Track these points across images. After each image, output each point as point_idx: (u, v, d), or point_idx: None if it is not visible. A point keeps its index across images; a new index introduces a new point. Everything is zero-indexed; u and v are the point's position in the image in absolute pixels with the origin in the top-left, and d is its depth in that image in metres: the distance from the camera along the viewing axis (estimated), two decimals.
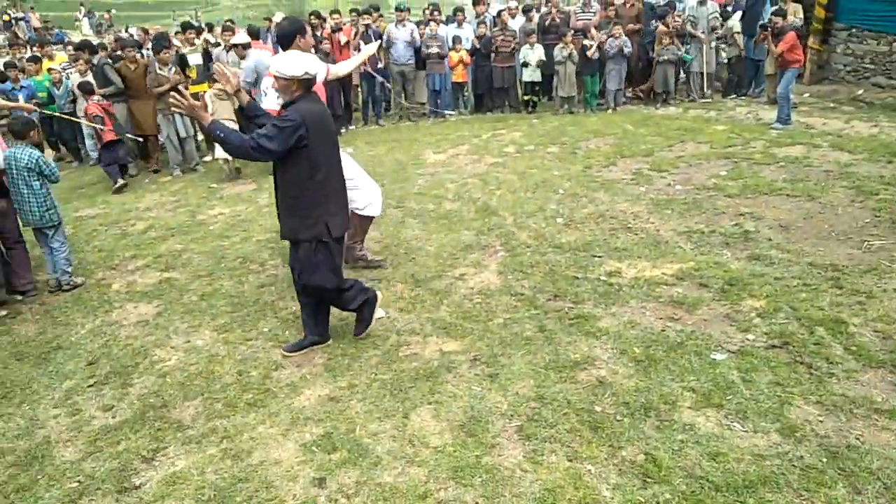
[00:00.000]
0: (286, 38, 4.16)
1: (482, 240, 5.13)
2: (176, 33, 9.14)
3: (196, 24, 10.00)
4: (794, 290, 3.85)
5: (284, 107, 3.33)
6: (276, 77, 3.28)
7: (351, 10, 10.53)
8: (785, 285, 3.92)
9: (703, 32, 9.73)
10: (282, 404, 3.21)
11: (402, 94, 10.65)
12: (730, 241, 4.66)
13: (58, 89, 9.04)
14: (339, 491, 2.60)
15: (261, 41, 8.55)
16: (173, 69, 7.88)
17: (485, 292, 4.23)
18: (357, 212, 4.56)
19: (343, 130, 9.96)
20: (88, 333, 4.16)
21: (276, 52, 4.60)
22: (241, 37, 8.27)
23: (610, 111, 9.78)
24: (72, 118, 8.49)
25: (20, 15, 25.16)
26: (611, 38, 9.48)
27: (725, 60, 10.29)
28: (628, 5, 10.41)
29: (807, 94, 9.68)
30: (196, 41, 9.05)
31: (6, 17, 24.12)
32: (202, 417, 3.17)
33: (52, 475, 2.84)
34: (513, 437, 2.83)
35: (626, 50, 9.48)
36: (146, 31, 11.78)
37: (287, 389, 3.34)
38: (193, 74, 8.40)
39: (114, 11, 31.17)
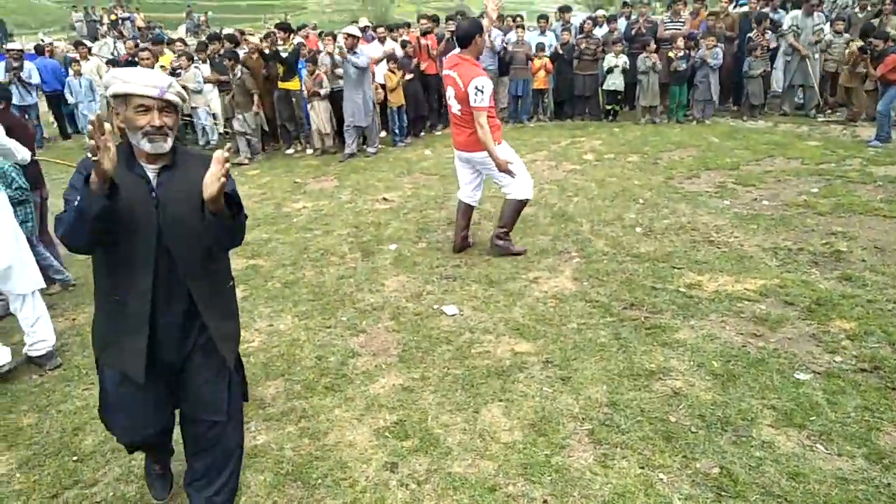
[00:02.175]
0: (467, 37, 4.53)
1: (558, 245, 5.12)
2: (266, 35, 9.56)
3: (289, 24, 10.44)
4: (888, 313, 3.67)
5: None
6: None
7: (419, 18, 10.70)
8: (878, 308, 3.73)
9: (806, 45, 9.31)
10: (357, 390, 3.33)
11: None
12: (819, 259, 4.48)
13: None
14: (410, 476, 2.68)
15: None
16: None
17: (559, 297, 4.23)
18: (511, 197, 4.82)
19: (423, 133, 10.15)
20: None
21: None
22: (353, 29, 8.65)
23: (696, 123, 9.53)
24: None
25: (126, 15, 26.81)
26: (703, 49, 9.25)
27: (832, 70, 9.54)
28: (723, 15, 10.14)
29: None
30: (289, 40, 9.41)
31: (113, 17, 25.77)
32: (282, 397, 3.32)
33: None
34: (583, 440, 2.83)
35: (713, 62, 9.21)
36: (242, 32, 12.34)
37: (363, 377, 3.45)
38: (283, 71, 8.79)
39: (210, 13, 32.82)
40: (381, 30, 10.20)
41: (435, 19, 10.48)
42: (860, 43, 8.57)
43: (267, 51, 8.93)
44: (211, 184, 1.90)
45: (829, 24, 9.50)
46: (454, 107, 4.70)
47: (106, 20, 26.09)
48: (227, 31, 17.61)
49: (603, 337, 3.67)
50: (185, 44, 11.71)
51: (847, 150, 7.29)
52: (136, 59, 9.50)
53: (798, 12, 9.64)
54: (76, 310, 4.57)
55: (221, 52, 9.73)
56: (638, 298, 4.10)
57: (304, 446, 2.92)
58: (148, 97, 2.02)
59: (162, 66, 9.89)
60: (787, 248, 4.69)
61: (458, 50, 4.68)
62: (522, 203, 4.91)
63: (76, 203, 1.88)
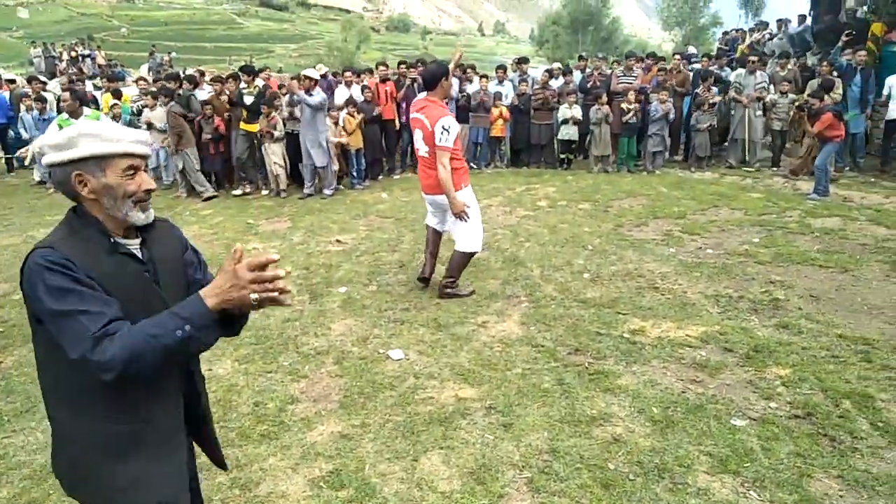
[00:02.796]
0: (433, 80, 4.58)
1: (507, 289, 5.15)
2: (228, 77, 9.61)
3: (253, 67, 10.53)
4: (822, 360, 3.76)
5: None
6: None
7: (399, 63, 10.92)
8: (812, 355, 3.83)
9: (747, 100, 9.75)
10: (294, 438, 3.23)
11: None
12: (758, 307, 4.60)
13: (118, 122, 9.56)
14: None
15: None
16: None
17: (505, 341, 4.23)
18: (460, 249, 4.89)
19: (381, 177, 10.21)
20: None
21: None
22: (312, 71, 8.73)
23: (646, 173, 9.82)
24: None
25: (86, 52, 26.61)
26: (655, 103, 9.61)
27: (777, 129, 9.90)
28: (675, 71, 10.60)
29: (847, 168, 9.59)
30: (253, 83, 9.45)
31: (73, 53, 25.55)
32: None
33: (62, 490, 2.88)
34: (522, 489, 2.79)
35: (672, 116, 9.58)
36: (202, 73, 12.37)
37: (301, 423, 3.36)
38: (246, 114, 8.80)
39: (174, 54, 32.79)
40: (348, 73, 10.36)
41: (386, 64, 10.69)
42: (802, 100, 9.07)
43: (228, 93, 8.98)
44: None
45: (771, 84, 9.99)
46: (422, 149, 4.71)
47: (66, 57, 25.83)
48: (189, 71, 17.63)
49: (547, 382, 3.66)
50: (148, 82, 11.67)
51: (788, 203, 7.59)
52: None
53: (742, 70, 10.15)
54: (3, 352, 4.37)
55: (180, 91, 9.71)
56: (583, 344, 4.13)
57: (233, 498, 2.81)
58: (138, 156, 1.63)
59: (115, 104, 9.82)
60: (728, 296, 4.81)
61: (424, 94, 4.76)
62: (470, 256, 4.94)
63: (177, 331, 1.46)
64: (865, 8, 12.17)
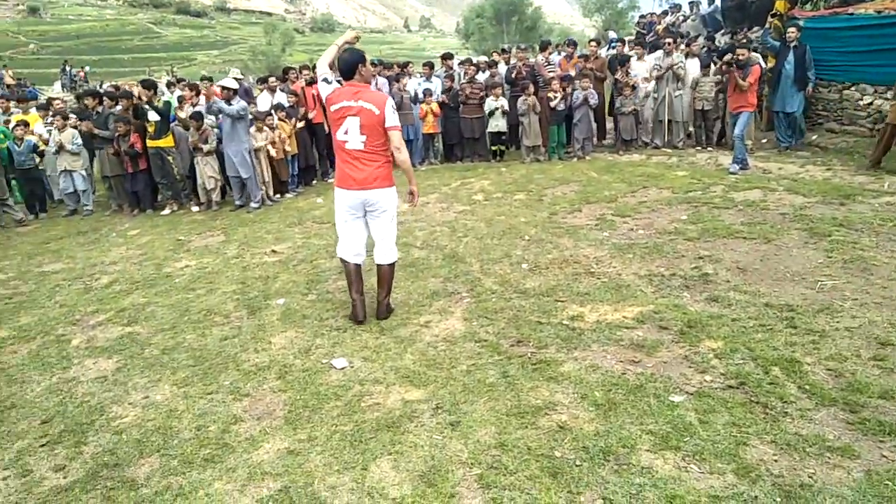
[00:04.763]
0: (351, 69, 4.25)
1: (448, 287, 5.16)
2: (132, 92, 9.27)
3: (155, 82, 10.16)
4: (751, 330, 3.93)
5: None
6: None
7: (302, 68, 10.70)
8: (742, 326, 3.99)
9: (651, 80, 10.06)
10: (240, 459, 3.15)
11: None
12: (689, 283, 4.76)
13: (18, 146, 9.12)
14: None
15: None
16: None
17: (449, 339, 4.24)
18: (390, 261, 4.59)
19: (314, 181, 10.07)
20: (44, 391, 4.06)
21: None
22: (229, 81, 8.49)
23: (576, 159, 10.02)
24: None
25: None
26: (577, 90, 9.80)
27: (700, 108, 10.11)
28: (593, 57, 10.83)
29: (764, 140, 10.04)
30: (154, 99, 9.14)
31: None
32: (157, 475, 3.09)
33: None
34: (472, 487, 2.80)
35: (592, 101, 9.79)
36: (117, 87, 11.90)
37: (246, 443, 3.28)
38: (153, 129, 8.51)
39: (87, 68, 31.42)
40: (272, 79, 10.14)
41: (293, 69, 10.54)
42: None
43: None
44: None
45: (699, 65, 10.24)
46: (354, 141, 4.25)
47: None
48: (106, 86, 16.92)
49: (492, 377, 3.69)
50: (64, 101, 11.15)
51: (711, 178, 7.88)
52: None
53: (660, 52, 10.47)
54: None
55: (98, 108, 9.31)
56: (525, 334, 4.18)
57: None
58: None
59: (25, 122, 9.35)
60: (660, 275, 4.96)
61: (337, 84, 4.42)
62: (395, 264, 4.70)
63: None
64: None
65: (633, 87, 10.07)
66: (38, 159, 9.57)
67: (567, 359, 3.82)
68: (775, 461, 2.75)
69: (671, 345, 3.87)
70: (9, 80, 24.82)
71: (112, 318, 5.15)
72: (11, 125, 9.49)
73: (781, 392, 3.25)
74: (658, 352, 3.79)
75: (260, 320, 4.84)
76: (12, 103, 11.64)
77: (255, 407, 3.63)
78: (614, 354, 3.82)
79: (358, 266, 4.61)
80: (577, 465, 2.84)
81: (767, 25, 10.41)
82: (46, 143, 9.41)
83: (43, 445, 3.45)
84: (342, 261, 4.64)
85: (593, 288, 4.83)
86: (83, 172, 9.31)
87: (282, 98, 9.55)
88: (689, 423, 3.07)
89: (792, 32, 9.30)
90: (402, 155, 4.34)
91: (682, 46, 10.65)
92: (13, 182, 10.15)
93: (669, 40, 10.53)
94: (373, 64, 9.94)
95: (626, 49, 11.51)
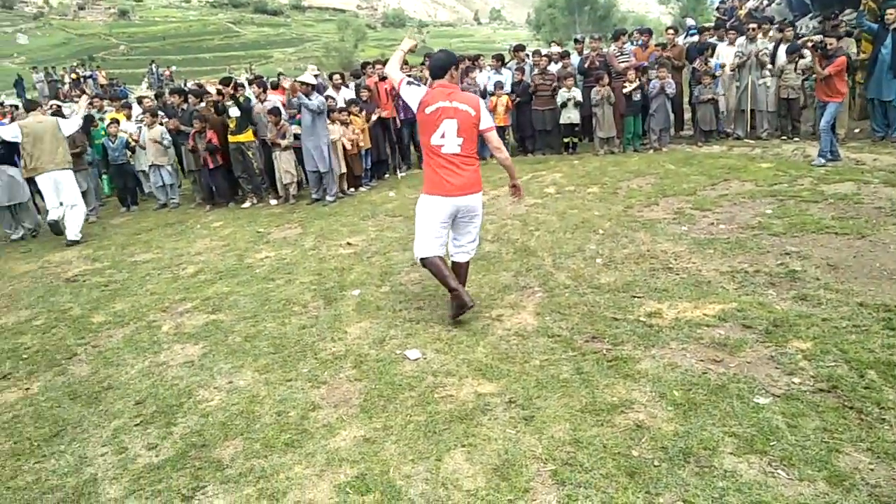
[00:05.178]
0: (443, 68, 4.18)
1: (520, 280, 5.14)
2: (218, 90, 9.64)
3: (236, 79, 10.55)
4: (843, 331, 3.71)
5: None
6: None
7: (375, 63, 10.82)
8: (833, 327, 3.78)
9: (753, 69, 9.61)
10: (318, 445, 3.25)
11: None
12: (775, 280, 4.54)
13: (112, 143, 9.68)
14: None
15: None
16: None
17: (522, 334, 4.22)
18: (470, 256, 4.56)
19: (387, 175, 10.21)
20: (137, 374, 4.30)
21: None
22: (308, 77, 8.72)
23: (652, 151, 9.74)
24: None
25: (88, 73, 26.80)
26: (654, 80, 9.52)
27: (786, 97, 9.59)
28: (670, 45, 10.49)
29: (857, 130, 9.45)
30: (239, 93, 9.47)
31: (75, 76, 25.75)
32: (241, 457, 3.23)
33: None
34: (547, 482, 2.78)
35: (669, 91, 9.49)
36: (200, 85, 12.43)
37: (324, 430, 3.37)
38: (234, 125, 8.82)
39: (173, 67, 32.94)
40: (336, 77, 10.34)
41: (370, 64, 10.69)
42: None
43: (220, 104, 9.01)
44: None
45: (785, 51, 9.73)
46: (451, 144, 4.11)
47: (67, 79, 26.04)
48: (190, 84, 17.71)
49: (565, 372, 3.65)
50: (153, 100, 11.76)
51: (798, 170, 7.49)
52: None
53: (744, 39, 10.01)
54: (29, 379, 4.43)
55: (183, 106, 9.78)
56: (599, 330, 4.11)
57: None
58: None
59: (116, 120, 9.92)
60: (743, 271, 4.76)
61: (426, 84, 4.43)
62: None
63: None
64: None
65: (713, 76, 9.68)
66: (129, 155, 10.13)
67: (644, 356, 3.72)
68: (871, 470, 2.59)
69: (756, 344, 3.71)
70: (102, 80, 26.33)
71: (198, 306, 5.40)
72: (105, 122, 10.09)
73: (878, 397, 3.06)
74: (741, 351, 3.64)
75: (336, 310, 4.96)
76: (105, 102, 12.37)
77: (332, 394, 3.73)
78: (694, 353, 3.70)
79: (441, 257, 4.41)
80: (655, 466, 2.78)
81: (862, 7, 9.77)
82: (137, 139, 9.93)
83: (137, 425, 3.66)
84: (424, 260, 4.39)
85: (671, 284, 4.69)
86: (169, 167, 9.79)
87: (349, 94, 9.73)
88: (776, 426, 2.93)
89: (891, 14, 8.66)
90: (504, 153, 4.30)
91: (772, 32, 10.13)
92: (104, 176, 10.83)
93: (753, 25, 10.05)
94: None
95: (708, 37, 11.04)
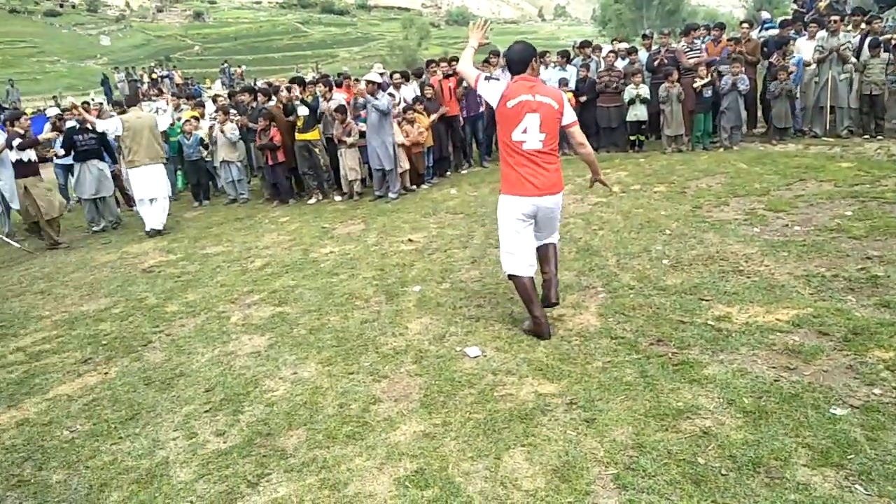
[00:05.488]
0: (523, 62, 3.98)
1: (583, 280, 5.06)
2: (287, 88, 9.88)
3: (304, 78, 10.82)
4: None
5: None
6: None
7: (440, 61, 10.78)
8: None
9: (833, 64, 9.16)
10: (378, 438, 3.29)
11: None
12: (855, 286, 4.31)
13: (187, 140, 10.07)
14: None
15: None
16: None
17: (584, 334, 4.15)
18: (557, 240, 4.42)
19: (448, 173, 10.24)
20: (207, 362, 4.47)
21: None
22: (374, 75, 8.87)
23: (722, 149, 9.41)
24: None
25: (165, 73, 28.01)
26: (726, 76, 9.19)
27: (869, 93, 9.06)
28: (744, 40, 10.10)
29: None
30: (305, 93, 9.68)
31: (154, 75, 26.96)
32: (304, 447, 3.31)
33: (168, 494, 3.06)
34: (608, 486, 2.73)
35: (742, 87, 9.14)
36: (269, 84, 12.79)
37: (384, 423, 3.42)
38: (301, 123, 9.02)
39: (244, 67, 34.01)
40: (396, 76, 10.42)
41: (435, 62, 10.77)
42: None
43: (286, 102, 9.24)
44: None
45: (867, 45, 9.23)
46: (533, 140, 3.92)
47: (146, 79, 27.29)
48: (260, 83, 18.25)
49: (629, 375, 3.57)
50: (226, 98, 12.21)
51: (882, 170, 7.08)
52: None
53: (825, 33, 9.55)
54: (108, 364, 4.67)
55: (252, 104, 10.09)
56: (665, 333, 4.00)
57: (323, 498, 2.89)
58: None
59: (195, 117, 10.31)
60: (820, 276, 4.53)
61: (510, 77, 4.17)
62: None
63: None
64: None
65: (790, 72, 9.26)
66: (203, 151, 10.55)
67: (712, 361, 3.60)
68: None
69: (833, 353, 3.53)
70: (178, 80, 27.46)
71: (265, 298, 5.57)
72: (182, 121, 10.53)
73: None
74: (817, 359, 3.48)
75: (397, 306, 5.01)
76: (182, 100, 12.89)
77: (392, 389, 3.78)
78: (766, 359, 3.55)
79: (532, 279, 4.18)
80: (722, 475, 2.68)
81: None
82: (211, 135, 10.32)
83: (206, 411, 3.80)
84: (513, 277, 4.20)
85: (742, 287, 4.52)
86: (239, 163, 10.13)
87: (409, 93, 9.80)
88: (854, 439, 2.79)
89: None
90: (588, 149, 4.14)
91: (863, 25, 9.60)
92: (178, 172, 11.32)
93: (835, 18, 9.56)
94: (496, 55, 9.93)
95: (787, 31, 10.58)
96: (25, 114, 10.42)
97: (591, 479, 2.78)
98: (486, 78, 4.16)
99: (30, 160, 8.39)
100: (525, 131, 3.92)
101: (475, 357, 4.02)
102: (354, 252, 6.62)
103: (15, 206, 8.85)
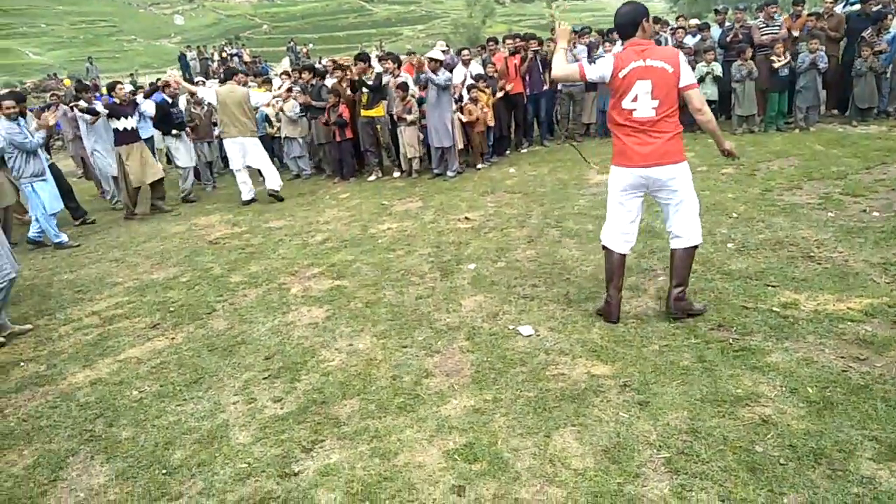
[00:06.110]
0: (633, 24, 3.64)
1: (642, 262, 4.95)
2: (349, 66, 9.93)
3: (369, 55, 10.85)
4: None
5: None
6: None
7: (506, 38, 10.59)
8: None
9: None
10: (429, 411, 3.33)
11: (569, 116, 10.62)
12: None
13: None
14: (477, 501, 2.64)
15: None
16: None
17: (641, 317, 4.07)
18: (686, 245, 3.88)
19: (508, 152, 10.15)
20: (268, 331, 4.62)
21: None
22: (436, 52, 8.86)
23: (798, 130, 8.96)
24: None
25: (234, 51, 28.71)
26: (804, 52, 8.72)
27: None
28: (827, 15, 9.54)
29: None
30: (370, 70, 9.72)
31: (224, 54, 27.67)
32: (357, 416, 3.38)
33: (227, 455, 3.19)
34: (659, 469, 2.68)
35: (822, 65, 8.65)
36: (334, 62, 12.91)
37: (435, 397, 3.46)
38: (366, 100, 9.07)
39: (311, 45, 34.49)
40: (465, 52, 10.35)
41: (494, 40, 10.63)
42: None
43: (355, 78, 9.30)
44: None
45: None
46: (645, 107, 3.63)
47: (216, 57, 28.03)
48: (324, 61, 18.48)
49: (686, 360, 3.48)
50: (290, 76, 12.42)
51: None
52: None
53: None
54: (175, 329, 4.88)
55: (313, 82, 10.22)
56: (726, 319, 3.88)
57: (374, 466, 2.96)
58: None
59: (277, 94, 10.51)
60: None
61: (620, 43, 3.87)
62: (696, 249, 3.95)
63: None
64: None
65: (880, 51, 8.69)
66: (268, 127, 10.78)
67: (775, 348, 3.47)
68: None
69: None
70: (247, 58, 28.09)
71: (324, 272, 5.69)
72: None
73: None
74: (890, 351, 3.30)
75: (452, 283, 5.03)
76: (250, 78, 13.19)
77: (444, 364, 3.81)
78: (834, 349, 3.40)
79: (623, 257, 3.99)
80: (781, 464, 2.59)
81: None
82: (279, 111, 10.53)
83: (265, 378, 3.93)
84: (606, 249, 4.02)
85: (812, 274, 4.32)
86: (300, 139, 10.32)
87: (476, 69, 9.70)
88: None
89: None
90: (706, 115, 3.74)
91: None
92: None
93: None
94: (574, 32, 9.71)
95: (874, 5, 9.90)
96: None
97: (643, 461, 2.74)
98: (590, 61, 3.89)
99: (125, 129, 8.74)
100: (635, 99, 3.65)
101: (528, 336, 4.00)
102: (411, 229, 6.67)
103: (113, 173, 9.40)
